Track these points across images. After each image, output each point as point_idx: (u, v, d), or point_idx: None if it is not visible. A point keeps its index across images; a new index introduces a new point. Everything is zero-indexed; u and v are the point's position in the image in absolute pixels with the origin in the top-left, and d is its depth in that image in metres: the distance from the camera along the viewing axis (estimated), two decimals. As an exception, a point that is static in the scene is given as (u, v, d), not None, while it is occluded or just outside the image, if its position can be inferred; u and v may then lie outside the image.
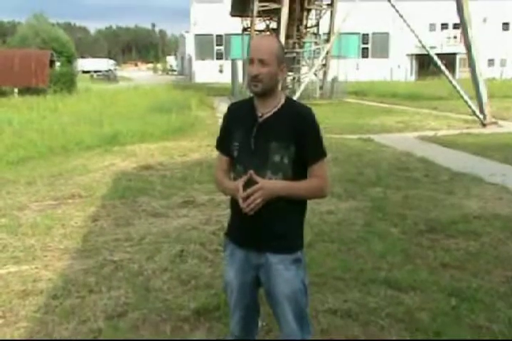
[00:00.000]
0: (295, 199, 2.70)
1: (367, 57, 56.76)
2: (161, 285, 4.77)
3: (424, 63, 51.63)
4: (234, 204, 2.76)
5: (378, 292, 4.56)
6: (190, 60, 61.48)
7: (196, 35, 56.53)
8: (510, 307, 4.30)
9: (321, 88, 29.52)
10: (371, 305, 4.32)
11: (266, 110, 2.71)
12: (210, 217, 6.81)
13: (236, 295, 2.86)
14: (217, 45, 56.56)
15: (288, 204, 2.69)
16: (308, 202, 2.84)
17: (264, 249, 2.73)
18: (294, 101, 2.85)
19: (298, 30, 29.07)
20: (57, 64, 37.25)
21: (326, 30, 29.24)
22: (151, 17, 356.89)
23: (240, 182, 2.62)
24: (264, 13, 28.71)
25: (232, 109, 2.90)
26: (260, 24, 31.20)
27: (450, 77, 18.93)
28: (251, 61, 2.66)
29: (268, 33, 31.45)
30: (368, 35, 56.44)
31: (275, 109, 2.71)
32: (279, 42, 2.77)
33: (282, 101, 2.74)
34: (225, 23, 44.73)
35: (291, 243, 2.77)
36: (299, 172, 2.69)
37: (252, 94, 2.77)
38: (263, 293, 2.87)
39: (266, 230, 2.71)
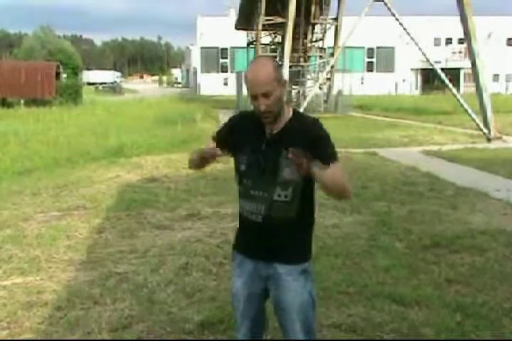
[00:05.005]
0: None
1: (372, 71, 57.01)
2: (165, 297, 4.77)
3: (429, 78, 51.79)
4: (242, 217, 2.79)
5: (383, 307, 4.54)
6: (195, 72, 61.84)
7: (202, 48, 56.98)
8: (516, 323, 4.28)
9: (325, 102, 29.54)
10: (376, 319, 4.31)
11: (275, 125, 2.68)
12: (215, 229, 6.79)
13: (243, 306, 2.86)
14: (222, 58, 56.94)
15: (296, 216, 2.70)
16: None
17: (273, 259, 2.73)
18: (301, 114, 2.81)
19: (303, 44, 29.25)
20: (64, 76, 37.49)
21: (332, 44, 29.35)
22: (157, 29, 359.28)
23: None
24: (269, 27, 28.98)
25: (242, 117, 2.87)
26: (265, 38, 31.43)
27: (455, 91, 18.97)
28: (254, 97, 2.57)
29: (273, 46, 31.74)
30: (373, 49, 56.72)
31: (283, 124, 2.68)
32: (273, 60, 2.67)
33: (290, 115, 2.71)
34: (231, 36, 45.14)
35: (299, 254, 2.78)
36: (309, 187, 2.69)
37: None
38: (269, 305, 2.87)
39: (274, 242, 2.72)
